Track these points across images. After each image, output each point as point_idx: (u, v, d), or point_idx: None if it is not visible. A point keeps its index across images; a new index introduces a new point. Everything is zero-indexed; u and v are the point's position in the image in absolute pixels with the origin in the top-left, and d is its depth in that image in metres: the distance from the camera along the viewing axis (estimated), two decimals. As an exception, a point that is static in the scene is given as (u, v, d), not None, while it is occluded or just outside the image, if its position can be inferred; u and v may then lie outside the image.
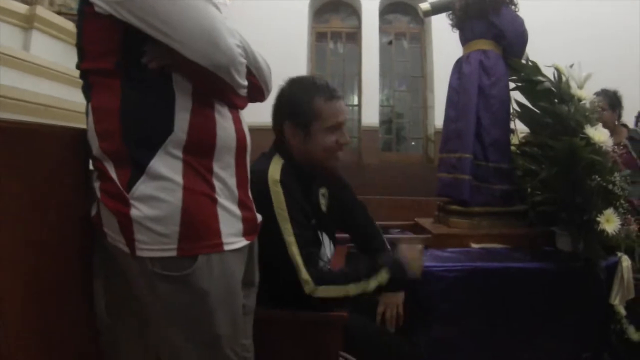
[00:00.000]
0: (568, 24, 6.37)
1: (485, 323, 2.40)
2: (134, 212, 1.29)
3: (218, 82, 1.38)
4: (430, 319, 2.34)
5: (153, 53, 1.34)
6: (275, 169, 1.99)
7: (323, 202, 2.30)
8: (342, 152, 2.11)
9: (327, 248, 2.27)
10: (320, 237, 2.22)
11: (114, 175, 1.32)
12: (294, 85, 2.10)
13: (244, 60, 1.42)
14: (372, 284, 1.94)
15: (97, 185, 1.37)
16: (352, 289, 1.92)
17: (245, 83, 1.47)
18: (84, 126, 1.42)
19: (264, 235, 1.69)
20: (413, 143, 7.06)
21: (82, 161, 1.44)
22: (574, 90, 2.66)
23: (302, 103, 2.03)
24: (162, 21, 1.28)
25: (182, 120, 1.35)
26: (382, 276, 1.96)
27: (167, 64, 1.35)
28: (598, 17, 6.41)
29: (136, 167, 1.31)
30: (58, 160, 1.37)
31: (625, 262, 2.48)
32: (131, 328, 1.42)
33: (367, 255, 2.27)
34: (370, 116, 6.52)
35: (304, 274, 1.89)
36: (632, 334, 2.45)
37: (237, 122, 1.51)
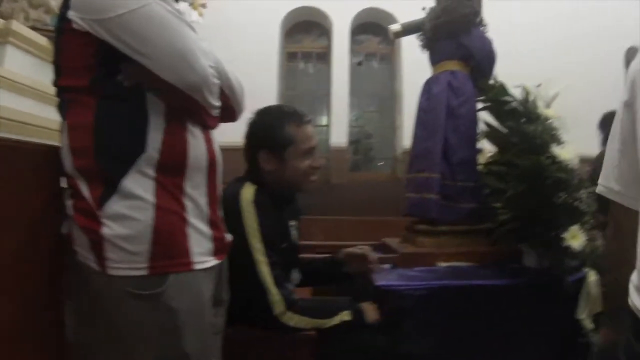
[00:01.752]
0: (537, 42, 6.48)
1: (453, 341, 2.40)
2: (105, 230, 1.30)
3: (191, 102, 1.40)
4: (397, 337, 2.31)
5: (128, 71, 1.35)
6: (248, 192, 2.03)
7: (294, 234, 2.34)
8: (315, 175, 2.20)
9: (296, 276, 2.33)
10: (291, 272, 2.28)
11: (86, 192, 1.33)
12: (264, 115, 2.17)
13: (216, 82, 1.45)
14: (335, 321, 2.02)
15: (69, 202, 1.38)
16: (317, 324, 1.99)
17: (218, 104, 1.49)
18: (55, 143, 1.43)
19: (235, 254, 1.71)
20: (381, 163, 7.07)
21: (54, 178, 1.43)
22: (541, 109, 2.69)
23: (276, 131, 2.09)
24: (137, 40, 1.29)
25: (154, 140, 1.37)
26: (344, 315, 2.05)
27: (142, 82, 1.36)
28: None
29: (108, 185, 1.32)
30: (29, 177, 1.37)
31: (592, 277, 2.49)
32: (102, 345, 1.39)
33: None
34: (340, 136, 6.53)
35: (275, 295, 1.92)
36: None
37: (209, 141, 1.53)
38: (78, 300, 1.44)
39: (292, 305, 1.95)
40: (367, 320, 2.13)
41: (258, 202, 2.00)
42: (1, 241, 1.24)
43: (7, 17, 3.75)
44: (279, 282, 1.96)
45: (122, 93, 1.36)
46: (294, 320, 1.94)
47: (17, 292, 1.30)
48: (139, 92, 1.37)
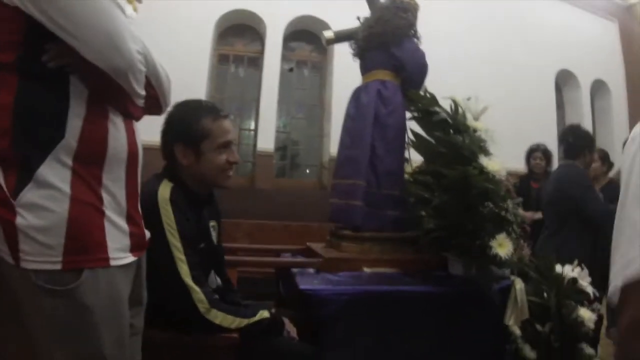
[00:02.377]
0: (471, 59, 6.66)
1: (379, 346, 2.41)
2: (19, 221, 1.24)
3: (115, 88, 1.35)
4: (324, 341, 2.33)
5: (54, 52, 1.30)
6: (165, 190, 1.99)
7: (214, 235, 2.32)
8: (232, 170, 2.16)
9: (214, 279, 2.29)
10: (211, 275, 2.26)
11: (1, 179, 1.26)
12: (182, 108, 2.13)
13: (143, 68, 1.41)
14: (256, 318, 2.02)
15: None
16: (241, 322, 1.97)
17: (143, 92, 1.45)
18: None
19: (153, 253, 1.68)
20: (308, 171, 7.10)
21: None
22: (470, 121, 2.76)
23: (191, 123, 2.06)
24: (65, 18, 1.25)
25: (74, 127, 1.31)
26: (264, 313, 2.05)
27: (67, 64, 1.31)
28: (496, 55, 6.75)
29: (24, 173, 1.26)
30: None
31: (519, 284, 2.57)
32: (17, 342, 1.35)
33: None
34: (266, 141, 6.53)
35: (198, 293, 1.89)
36: (528, 352, 2.54)
37: (131, 133, 1.48)
38: None
39: (214, 303, 1.92)
40: (284, 331, 2.14)
41: (174, 200, 1.97)
42: None
43: None
44: (200, 281, 1.93)
45: (46, 74, 1.30)
46: (218, 318, 1.91)
47: None
48: (63, 75, 1.32)
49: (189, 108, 2.12)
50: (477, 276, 2.58)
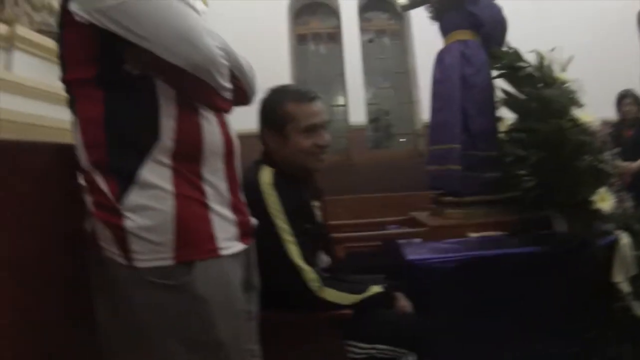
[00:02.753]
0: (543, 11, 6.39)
1: (487, 310, 2.40)
2: (127, 223, 1.28)
3: (200, 85, 1.38)
4: (431, 308, 2.32)
5: (134, 59, 1.34)
6: (266, 175, 2.03)
7: (318, 214, 2.32)
8: (323, 154, 2.14)
9: (323, 257, 2.29)
10: (318, 253, 2.25)
11: (104, 187, 1.31)
12: (269, 93, 2.16)
13: (225, 62, 1.42)
14: (368, 293, 2.03)
15: (88, 199, 1.36)
16: (353, 299, 1.99)
17: (229, 85, 1.46)
18: (70, 141, 1.42)
19: (262, 239, 1.68)
20: (404, 139, 7.04)
21: (69, 175, 1.42)
22: (557, 73, 2.68)
23: (275, 108, 2.08)
24: (139, 24, 1.28)
25: (167, 127, 1.35)
26: (377, 288, 2.06)
27: (150, 69, 1.35)
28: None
29: (125, 178, 1.31)
30: (41, 175, 1.38)
31: (624, 239, 2.48)
32: (132, 338, 1.38)
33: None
34: (357, 115, 6.52)
35: (309, 272, 1.93)
36: (638, 310, 2.45)
37: (223, 126, 1.50)
38: (107, 295, 1.43)
39: (326, 281, 1.96)
40: (397, 307, 2.16)
41: (277, 183, 2.01)
42: (21, 242, 1.25)
43: (11, 22, 3.77)
44: (310, 261, 1.96)
45: (131, 82, 1.34)
46: (332, 295, 1.95)
47: (43, 291, 1.31)
48: (148, 79, 1.36)
49: (274, 93, 2.14)
50: (581, 232, 2.51)
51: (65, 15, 1.36)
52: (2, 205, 1.19)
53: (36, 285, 1.30)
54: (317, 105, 2.13)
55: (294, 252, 1.93)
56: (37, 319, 1.30)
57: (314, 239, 2.15)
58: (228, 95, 1.49)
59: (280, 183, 2.01)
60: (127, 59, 1.34)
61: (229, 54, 1.47)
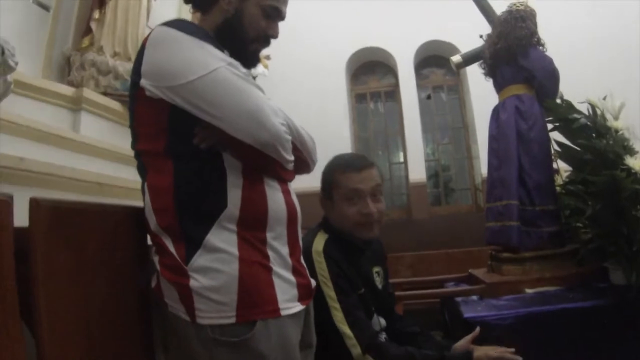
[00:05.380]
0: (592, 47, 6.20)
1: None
2: (193, 283, 1.35)
3: (266, 159, 1.44)
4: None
5: (203, 134, 1.41)
6: (319, 242, 2.07)
7: (378, 280, 2.33)
8: (373, 222, 2.13)
9: (377, 321, 2.26)
10: (375, 316, 2.23)
11: (172, 249, 1.39)
12: (329, 162, 2.22)
13: (289, 137, 1.48)
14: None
15: (156, 259, 1.44)
16: None
17: (292, 158, 1.53)
18: (133, 201, 1.52)
19: (314, 302, 1.73)
20: (462, 195, 6.96)
21: (135, 236, 1.51)
22: (610, 122, 2.64)
23: (325, 175, 2.17)
24: (209, 104, 1.36)
25: (234, 196, 1.42)
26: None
27: (217, 144, 1.42)
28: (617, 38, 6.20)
29: (193, 242, 1.38)
30: (109, 236, 1.42)
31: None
32: None
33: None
34: (417, 172, 6.48)
35: (352, 339, 1.92)
36: None
37: (287, 193, 1.57)
38: (168, 350, 1.52)
39: (369, 348, 1.93)
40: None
41: (327, 251, 2.03)
42: (90, 298, 1.29)
43: (77, 85, 3.96)
44: (357, 325, 1.95)
45: (199, 154, 1.41)
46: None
47: (107, 345, 1.34)
48: (215, 152, 1.43)
49: (330, 161, 2.20)
50: (638, 282, 2.42)
51: (136, 89, 1.44)
52: (73, 263, 1.24)
53: (103, 339, 1.34)
54: (365, 173, 2.13)
55: (338, 317, 1.94)
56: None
57: (369, 303, 2.16)
58: (291, 166, 1.56)
59: (331, 251, 2.04)
60: (196, 134, 1.42)
61: (292, 129, 1.53)
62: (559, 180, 3.15)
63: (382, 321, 2.30)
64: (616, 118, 2.68)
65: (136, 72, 1.44)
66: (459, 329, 2.48)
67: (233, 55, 1.53)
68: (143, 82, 1.40)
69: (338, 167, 2.14)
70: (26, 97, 3.30)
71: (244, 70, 1.46)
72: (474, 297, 2.81)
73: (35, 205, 1.14)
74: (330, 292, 1.96)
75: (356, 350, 1.91)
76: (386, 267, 2.44)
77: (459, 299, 2.83)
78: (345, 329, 1.93)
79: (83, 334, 1.25)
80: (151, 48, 1.42)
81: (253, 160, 1.45)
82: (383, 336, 2.20)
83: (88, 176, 3.31)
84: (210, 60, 1.39)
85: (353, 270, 2.11)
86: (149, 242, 1.51)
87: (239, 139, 1.38)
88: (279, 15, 1.65)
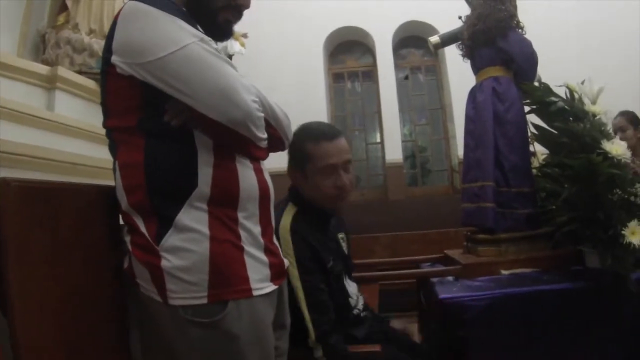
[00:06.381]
0: (576, 32, 6.30)
1: (520, 348, 2.37)
2: (164, 263, 1.34)
3: (237, 137, 1.43)
4: (465, 348, 2.33)
5: (174, 111, 1.40)
6: (287, 218, 2.07)
7: (344, 246, 2.35)
8: (345, 194, 2.14)
9: (355, 295, 2.29)
10: (345, 282, 2.26)
11: (143, 229, 1.38)
12: (295, 131, 2.13)
13: (261, 115, 1.47)
14: None
15: (127, 238, 1.44)
16: None
17: (265, 136, 1.51)
18: (108, 181, 1.49)
19: (287, 282, 1.76)
20: (438, 176, 7.01)
21: (108, 216, 1.49)
22: (588, 106, 2.65)
23: (296, 147, 2.10)
24: (179, 81, 1.34)
25: (205, 175, 1.41)
26: None
27: (188, 121, 1.40)
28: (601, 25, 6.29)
29: (164, 221, 1.37)
30: (82, 216, 1.41)
31: (658, 272, 2.41)
32: None
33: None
34: (394, 152, 6.51)
35: (309, 322, 1.95)
36: None
37: (259, 172, 1.57)
38: (142, 330, 1.52)
39: (322, 337, 1.94)
40: None
41: (295, 227, 2.03)
42: (62, 277, 1.28)
43: (52, 63, 3.91)
44: (316, 307, 1.97)
45: (170, 131, 1.40)
46: (320, 352, 1.94)
47: (81, 325, 1.34)
48: (186, 130, 1.42)
49: (298, 131, 2.13)
50: (613, 267, 2.43)
51: (107, 65, 1.42)
52: (45, 243, 1.23)
53: (77, 319, 1.33)
54: (338, 145, 2.12)
55: (300, 297, 1.94)
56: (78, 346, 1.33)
57: (338, 270, 2.17)
58: (264, 144, 1.54)
59: (299, 227, 2.04)
60: (167, 111, 1.40)
61: (265, 105, 1.52)
62: (535, 162, 3.16)
63: (353, 285, 2.34)
64: (594, 102, 2.69)
65: (107, 48, 1.42)
66: (435, 309, 2.51)
67: (204, 28, 1.52)
68: (114, 58, 1.39)
69: (310, 138, 2.11)
70: (-1, 75, 3.25)
71: (215, 46, 1.45)
72: (450, 278, 2.82)
73: (4, 185, 1.13)
74: (294, 271, 1.96)
75: (312, 334, 1.93)
76: (349, 234, 2.46)
77: (434, 279, 2.85)
78: (304, 310, 1.94)
79: (56, 313, 1.24)
80: (122, 24, 1.40)
81: (225, 138, 1.44)
82: (362, 314, 2.23)
83: (62, 156, 3.27)
84: (182, 36, 1.37)
85: (322, 240, 2.12)
86: (122, 222, 1.50)
87: (210, 116, 1.37)
88: None
